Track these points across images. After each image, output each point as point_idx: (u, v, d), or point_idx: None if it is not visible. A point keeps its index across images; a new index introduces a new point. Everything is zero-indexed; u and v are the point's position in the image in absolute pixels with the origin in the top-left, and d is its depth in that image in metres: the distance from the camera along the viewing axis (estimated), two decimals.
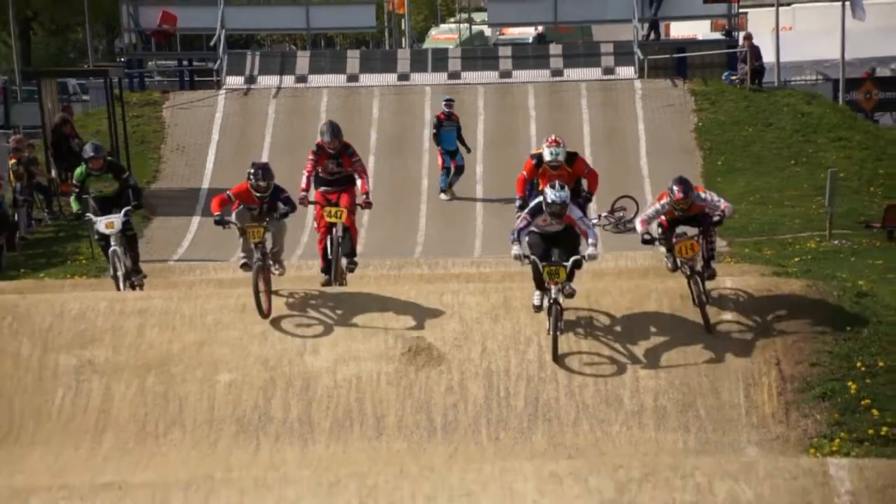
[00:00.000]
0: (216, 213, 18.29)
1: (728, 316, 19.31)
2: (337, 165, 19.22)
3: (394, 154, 36.98)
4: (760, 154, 37.90)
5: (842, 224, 31.61)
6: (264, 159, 36.43)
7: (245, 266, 18.37)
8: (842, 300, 20.40)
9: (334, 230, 19.16)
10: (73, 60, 64.75)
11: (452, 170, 34.71)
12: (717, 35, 47.37)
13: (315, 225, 19.21)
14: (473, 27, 55.46)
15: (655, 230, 18.86)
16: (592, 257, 17.65)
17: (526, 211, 18.09)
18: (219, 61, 42.60)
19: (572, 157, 20.60)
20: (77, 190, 19.97)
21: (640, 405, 17.86)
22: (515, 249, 17.65)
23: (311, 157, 19.25)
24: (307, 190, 19.67)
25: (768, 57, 44.18)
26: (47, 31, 69.04)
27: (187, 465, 16.52)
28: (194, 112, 40.42)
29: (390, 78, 41.89)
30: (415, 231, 33.21)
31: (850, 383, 18.23)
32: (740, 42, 43.25)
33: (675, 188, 18.16)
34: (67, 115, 37.86)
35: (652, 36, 44.48)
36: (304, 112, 39.00)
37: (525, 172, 20.57)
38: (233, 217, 18.42)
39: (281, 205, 18.52)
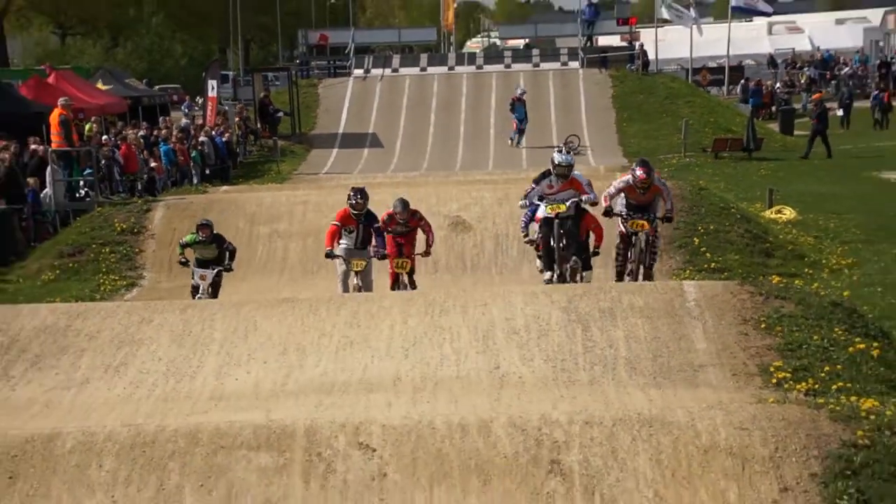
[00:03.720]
0: (328, 248, 16.30)
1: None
2: (404, 226, 16.85)
3: (443, 113, 42.71)
4: (646, 110, 42.56)
5: (690, 149, 36.74)
6: (373, 117, 42.76)
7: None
8: (690, 192, 22.23)
9: (401, 277, 16.75)
10: (270, 62, 69.17)
11: (520, 131, 39.17)
12: (624, 44, 52.33)
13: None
14: (490, 40, 67.19)
15: (618, 206, 16.08)
16: (589, 199, 15.39)
17: (534, 180, 15.81)
18: (350, 61, 48.66)
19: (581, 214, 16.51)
20: (181, 252, 17.32)
21: None
22: (532, 234, 15.67)
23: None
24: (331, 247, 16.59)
25: (651, 56, 50.31)
26: (258, 46, 78.88)
27: (328, 289, 17.29)
28: (335, 89, 45.44)
29: (443, 69, 47.65)
30: (455, 156, 38.30)
31: (695, 239, 19.89)
32: (636, 48, 49.86)
33: (637, 170, 15.67)
34: (267, 93, 43.15)
35: (588, 44, 50.41)
36: (396, 89, 45.04)
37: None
38: (339, 251, 16.38)
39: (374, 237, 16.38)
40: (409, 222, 16.85)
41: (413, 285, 16.92)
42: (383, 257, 16.51)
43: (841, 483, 9.07)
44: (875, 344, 12.67)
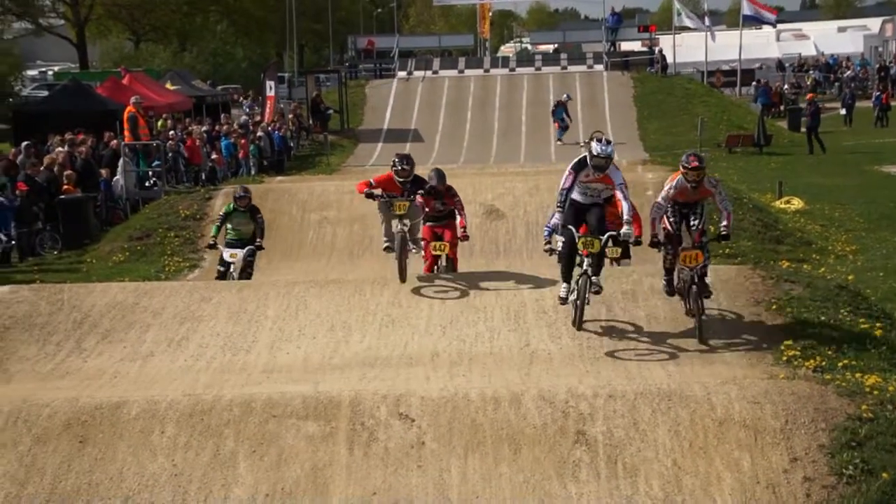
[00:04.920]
0: (365, 189, 14.06)
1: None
2: (441, 205, 14.91)
3: (479, 111, 42.74)
4: (665, 109, 42.27)
5: (705, 145, 35.31)
6: (415, 114, 42.47)
7: (388, 249, 14.14)
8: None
9: (440, 260, 15.08)
10: (322, 65, 69.68)
11: (562, 129, 39.07)
12: (644, 49, 53.25)
13: (423, 254, 14.75)
14: (522, 45, 66.94)
15: (663, 234, 12.54)
16: (627, 235, 12.20)
17: (569, 167, 12.49)
18: (394, 64, 48.91)
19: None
20: (219, 223, 16.08)
21: None
22: (557, 217, 12.53)
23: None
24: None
25: (670, 60, 50.76)
26: (311, 51, 79.00)
27: (372, 271, 16.68)
28: (381, 90, 45.50)
29: (479, 71, 47.62)
30: (490, 151, 38.13)
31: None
32: (655, 52, 50.40)
33: (687, 157, 12.19)
34: (319, 93, 43.40)
35: (612, 49, 50.58)
36: (436, 89, 44.93)
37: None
38: (379, 193, 14.09)
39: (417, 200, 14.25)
40: (444, 197, 14.89)
41: (454, 267, 15.31)
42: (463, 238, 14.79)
43: (847, 453, 9.05)
44: (878, 324, 12.61)
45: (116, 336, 12.86)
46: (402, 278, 13.85)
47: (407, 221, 13.94)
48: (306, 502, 9.04)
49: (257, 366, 12.24)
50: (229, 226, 15.98)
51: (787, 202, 24.92)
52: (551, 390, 10.01)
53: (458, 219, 15.05)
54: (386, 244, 14.20)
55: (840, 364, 11.25)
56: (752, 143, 37.58)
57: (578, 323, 12.18)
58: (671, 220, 12.48)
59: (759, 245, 19.53)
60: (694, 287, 12.06)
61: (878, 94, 48.88)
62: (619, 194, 12.24)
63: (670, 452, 9.26)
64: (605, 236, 12.17)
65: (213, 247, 16.14)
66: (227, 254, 15.64)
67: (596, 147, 12.07)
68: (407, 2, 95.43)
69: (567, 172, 12.38)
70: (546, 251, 14.40)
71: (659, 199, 12.51)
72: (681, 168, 12.25)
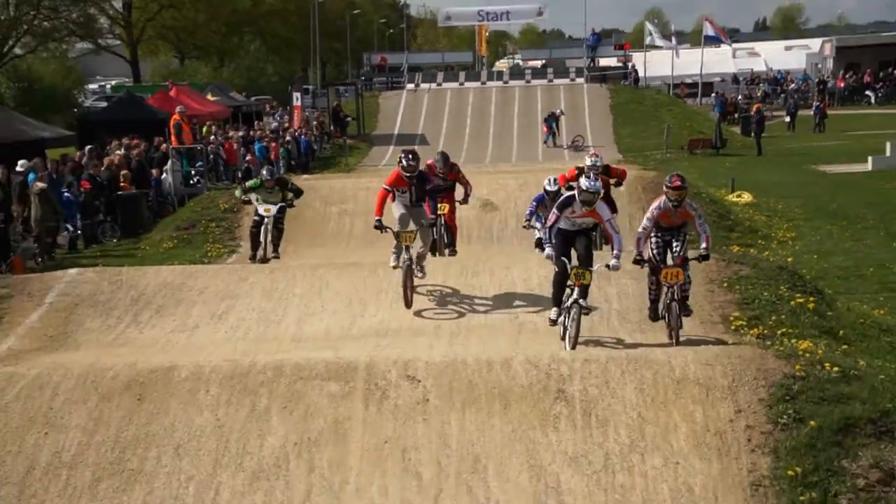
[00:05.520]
0: (376, 218, 12.72)
1: None
2: (442, 181, 14.63)
3: (476, 118, 42.52)
4: (637, 116, 41.88)
5: (670, 147, 36.13)
6: (421, 121, 42.08)
7: (395, 267, 12.85)
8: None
9: (437, 221, 14.30)
10: (341, 78, 69.19)
11: (551, 134, 38.95)
12: (619, 64, 52.97)
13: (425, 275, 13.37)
14: (514, 61, 67.58)
15: (647, 252, 11.57)
16: (615, 268, 11.23)
17: (554, 207, 11.39)
18: (403, 77, 48.63)
19: (607, 168, 15.20)
20: (245, 192, 15.50)
21: None
22: (548, 250, 11.27)
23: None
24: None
25: (641, 74, 51.29)
26: (332, 66, 79.25)
27: (385, 256, 13.81)
28: (392, 100, 45.09)
29: (477, 84, 47.25)
30: (486, 152, 37.91)
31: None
32: (629, 68, 50.32)
33: (671, 178, 11.24)
34: (339, 102, 43.14)
35: (591, 64, 50.52)
36: (439, 99, 44.60)
37: (566, 175, 15.01)
38: (395, 210, 12.92)
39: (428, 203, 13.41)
40: (447, 176, 14.70)
41: (453, 237, 15.02)
42: (431, 225, 13.64)
43: (782, 406, 9.09)
44: (811, 299, 12.73)
45: (167, 311, 12.93)
46: (408, 305, 12.66)
47: (413, 252, 12.89)
48: (329, 449, 9.08)
49: (287, 336, 12.29)
50: (257, 196, 15.54)
51: (739, 196, 24.95)
52: (536, 355, 10.04)
53: (463, 189, 14.78)
54: (393, 263, 12.92)
55: (779, 332, 11.37)
56: (710, 146, 37.75)
57: (573, 343, 10.93)
58: (655, 251, 11.49)
59: (714, 232, 18.90)
60: (674, 304, 11.10)
61: (817, 104, 49.20)
62: (608, 229, 11.33)
63: (636, 406, 9.30)
64: (596, 267, 11.26)
65: (247, 202, 15.74)
66: (261, 209, 15.27)
67: (585, 183, 11.03)
68: (415, 23, 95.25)
69: (553, 213, 11.33)
70: (525, 227, 14.88)
71: (644, 221, 11.48)
72: (664, 188, 11.26)
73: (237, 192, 15.66)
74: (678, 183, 11.16)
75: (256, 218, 15.47)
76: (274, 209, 15.14)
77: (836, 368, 9.49)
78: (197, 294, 13.26)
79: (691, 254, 11.61)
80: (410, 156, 12.90)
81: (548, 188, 14.92)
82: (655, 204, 11.42)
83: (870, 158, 31.43)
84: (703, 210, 13.02)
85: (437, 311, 12.77)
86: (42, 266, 18.01)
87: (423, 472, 8.83)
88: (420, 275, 13.16)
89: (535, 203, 15.06)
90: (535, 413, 9.29)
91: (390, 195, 12.86)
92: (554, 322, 11.46)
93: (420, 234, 13.03)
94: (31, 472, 8.91)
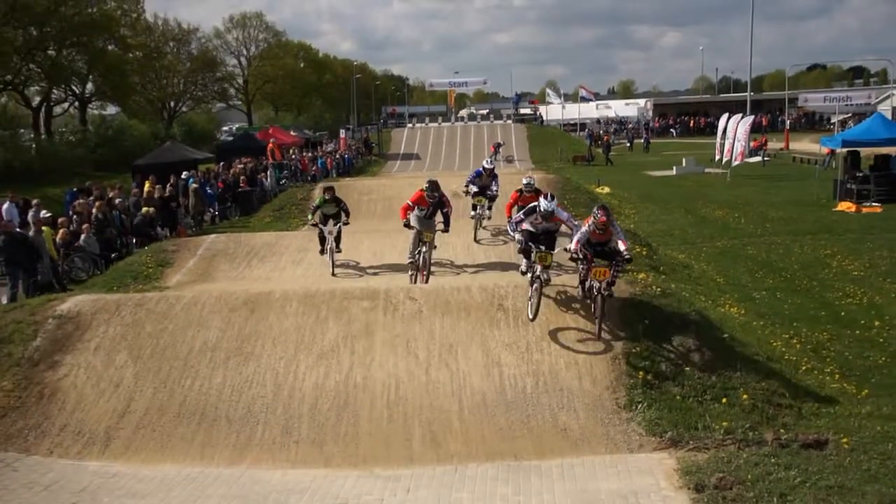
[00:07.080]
0: (404, 220, 10.56)
1: None
2: (431, 205, 10.61)
3: (449, 144, 41.18)
4: (543, 142, 41.33)
5: (562, 160, 35.39)
6: (416, 146, 40.52)
7: (411, 265, 10.74)
8: (563, 181, 19.30)
9: (425, 246, 10.72)
10: (369, 121, 65.70)
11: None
12: (532, 112, 52.55)
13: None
14: (470, 110, 66.71)
15: (582, 253, 8.52)
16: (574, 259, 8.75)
17: (521, 211, 9.08)
18: (405, 120, 48.10)
19: (537, 189, 11.37)
20: (313, 213, 11.86)
21: None
22: (518, 236, 8.95)
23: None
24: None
25: (545, 118, 51.13)
26: (363, 113, 72.39)
27: (398, 225, 11.63)
28: (399, 133, 44.35)
29: (449, 124, 47.34)
30: (454, 163, 36.96)
31: (565, 201, 15.98)
32: (537, 114, 50.44)
33: (598, 212, 8.43)
34: (368, 135, 42.73)
35: (515, 112, 49.98)
36: (427, 133, 43.58)
37: (511, 199, 11.64)
38: (413, 221, 10.66)
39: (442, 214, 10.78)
40: (440, 197, 10.80)
41: (446, 230, 10.99)
42: (445, 230, 10.83)
43: (629, 310, 8.76)
44: (644, 248, 12.79)
45: (267, 259, 12.49)
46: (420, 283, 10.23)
47: (428, 245, 10.64)
48: (362, 341, 8.77)
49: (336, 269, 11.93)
50: (322, 211, 13.54)
51: (601, 188, 24.69)
52: (486, 283, 9.67)
53: (446, 210, 10.77)
54: (409, 260, 10.74)
55: (628, 267, 10.79)
56: (585, 160, 37.47)
57: (534, 315, 8.60)
58: (587, 250, 8.54)
59: (587, 210, 18.71)
60: (600, 296, 8.34)
61: (645, 136, 49.07)
62: (569, 225, 8.80)
63: (545, 314, 8.98)
64: (556, 251, 8.74)
65: (315, 225, 12.18)
66: (325, 230, 11.96)
67: (543, 203, 8.69)
68: (411, 88, 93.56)
69: (518, 215, 9.05)
70: (463, 192, 12.76)
71: (578, 235, 8.52)
72: (592, 218, 8.44)
73: (309, 217, 12.41)
74: (603, 219, 8.37)
75: (320, 236, 12.18)
76: (335, 229, 11.82)
77: (659, 289, 9.27)
78: (284, 249, 12.82)
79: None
80: (432, 187, 10.57)
81: (486, 165, 12.63)
82: (587, 225, 8.51)
83: (674, 167, 31.77)
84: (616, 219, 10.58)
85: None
86: (195, 233, 17.74)
87: (419, 353, 8.57)
88: (425, 271, 10.65)
89: (473, 175, 12.80)
90: (485, 318, 8.97)
91: (411, 209, 10.57)
92: (524, 273, 8.96)
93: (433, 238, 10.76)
94: (190, 353, 8.57)
